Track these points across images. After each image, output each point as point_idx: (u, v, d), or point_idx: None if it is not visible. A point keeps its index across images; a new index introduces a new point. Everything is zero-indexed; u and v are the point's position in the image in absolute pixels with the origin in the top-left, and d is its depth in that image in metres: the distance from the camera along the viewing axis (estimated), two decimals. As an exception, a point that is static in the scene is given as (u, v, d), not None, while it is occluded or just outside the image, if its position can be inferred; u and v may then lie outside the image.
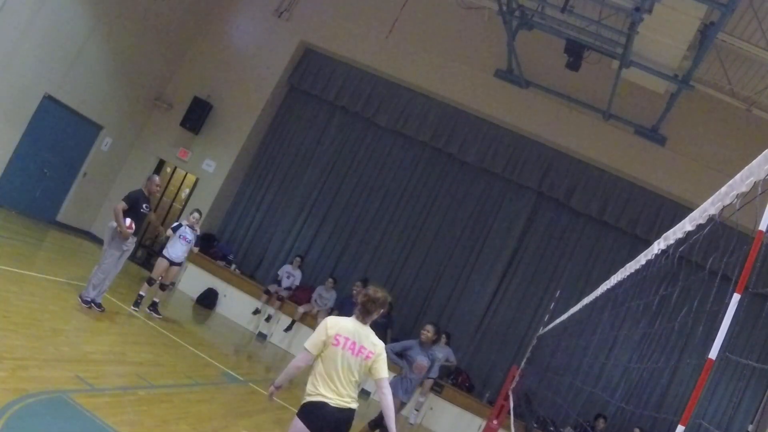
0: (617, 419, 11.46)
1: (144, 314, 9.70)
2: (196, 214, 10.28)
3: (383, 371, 4.31)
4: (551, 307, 10.85)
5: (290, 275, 13.27)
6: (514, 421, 9.21)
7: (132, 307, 9.60)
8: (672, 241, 4.01)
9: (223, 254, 14.00)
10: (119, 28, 13.17)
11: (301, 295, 13.10)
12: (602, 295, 6.67)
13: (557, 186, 13.18)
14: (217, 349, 10.75)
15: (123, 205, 8.44)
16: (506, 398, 10.04)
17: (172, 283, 11.53)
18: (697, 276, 3.71)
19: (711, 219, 3.34)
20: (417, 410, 11.56)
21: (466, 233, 13.61)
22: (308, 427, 4.11)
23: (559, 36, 10.87)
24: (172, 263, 9.98)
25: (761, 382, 11.13)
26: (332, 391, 4.15)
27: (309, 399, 4.18)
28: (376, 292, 4.38)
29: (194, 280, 13.32)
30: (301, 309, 12.66)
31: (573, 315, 8.35)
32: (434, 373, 10.94)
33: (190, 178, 14.90)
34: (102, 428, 4.93)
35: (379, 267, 13.75)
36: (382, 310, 4.41)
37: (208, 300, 13.13)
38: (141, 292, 9.77)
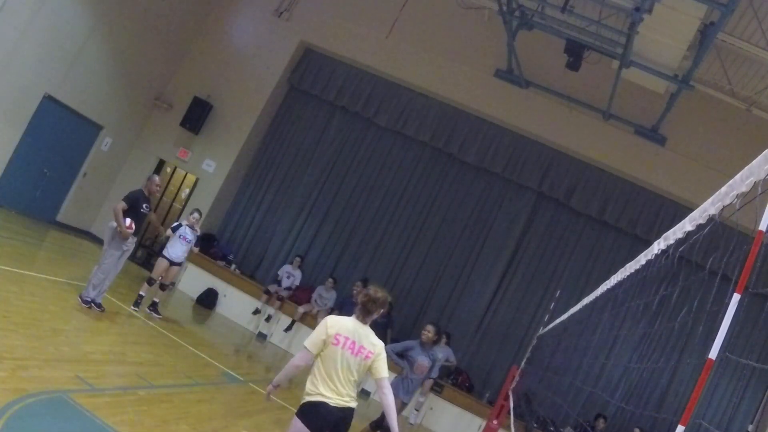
0: (617, 419, 11.45)
1: (144, 314, 9.70)
2: (196, 214, 10.28)
3: (383, 371, 4.32)
4: (551, 307, 10.85)
5: (290, 275, 13.27)
6: (514, 421, 9.21)
7: (132, 307, 9.61)
8: (672, 241, 4.01)
9: (223, 254, 14.00)
10: (119, 28, 13.17)
11: (301, 295, 13.10)
12: (602, 295, 6.66)
13: (557, 186, 13.18)
14: (217, 349, 10.75)
15: (123, 205, 8.44)
16: (506, 398, 10.04)
17: (172, 283, 11.54)
18: (697, 276, 3.70)
19: (711, 219, 3.35)
20: (417, 410, 11.57)
21: (466, 233, 13.60)
22: (308, 426, 4.11)
23: (559, 36, 10.87)
24: (172, 263, 9.99)
25: (761, 382, 11.14)
26: (332, 390, 4.16)
27: (308, 398, 4.18)
28: (376, 292, 4.39)
29: (194, 280, 13.32)
30: (301, 309, 12.66)
31: (573, 315, 8.35)
32: (434, 374, 10.92)
33: (190, 178, 14.90)
34: (102, 428, 4.93)
35: (379, 267, 13.74)
36: (382, 310, 4.42)
37: (208, 300, 13.13)
38: (141, 292, 9.78)
